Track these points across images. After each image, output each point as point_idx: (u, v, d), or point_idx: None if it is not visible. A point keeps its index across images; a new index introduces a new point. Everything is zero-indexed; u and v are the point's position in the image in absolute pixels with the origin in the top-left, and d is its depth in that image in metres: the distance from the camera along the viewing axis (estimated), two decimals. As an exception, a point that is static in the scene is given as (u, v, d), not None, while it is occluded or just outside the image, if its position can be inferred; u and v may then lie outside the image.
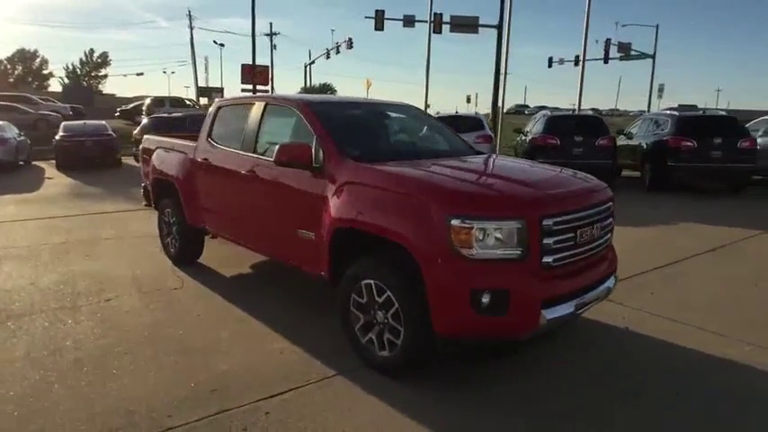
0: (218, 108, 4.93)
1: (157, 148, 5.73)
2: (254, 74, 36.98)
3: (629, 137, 12.38)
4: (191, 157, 5.01)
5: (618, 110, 68.39)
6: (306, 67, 47.07)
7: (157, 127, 12.46)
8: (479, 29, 26.82)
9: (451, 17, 26.58)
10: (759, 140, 10.60)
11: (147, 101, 28.66)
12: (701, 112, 12.59)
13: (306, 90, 55.80)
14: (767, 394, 3.07)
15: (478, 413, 2.81)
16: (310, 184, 3.58)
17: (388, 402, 2.89)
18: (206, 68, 47.38)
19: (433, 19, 26.77)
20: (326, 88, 65.07)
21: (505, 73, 20.78)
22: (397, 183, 3.12)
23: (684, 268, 5.52)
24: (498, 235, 2.73)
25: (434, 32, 27.28)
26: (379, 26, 26.70)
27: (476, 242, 2.71)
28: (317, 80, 66.05)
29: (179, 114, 16.40)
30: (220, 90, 50.04)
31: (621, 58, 37.73)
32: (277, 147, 3.59)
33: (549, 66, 41.35)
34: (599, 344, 3.71)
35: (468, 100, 59.56)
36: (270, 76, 37.76)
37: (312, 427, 2.68)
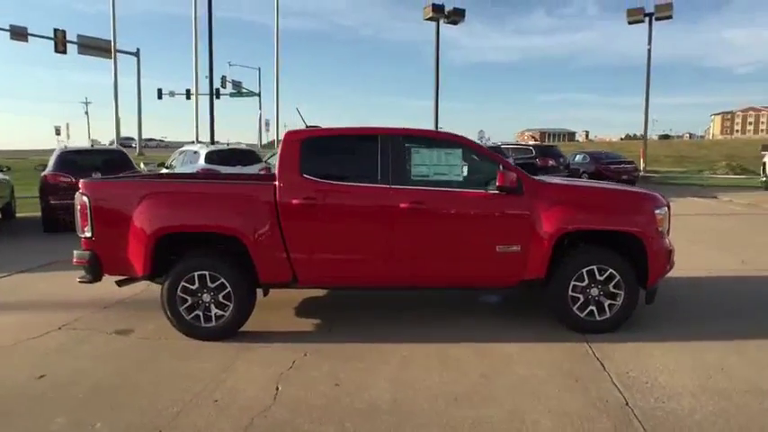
0: (305, 140, 4.39)
1: (150, 193, 4.30)
2: None
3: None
4: (268, 199, 4.25)
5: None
6: None
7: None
8: (118, 54, 24.48)
9: (79, 36, 23.17)
10: None
11: None
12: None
13: None
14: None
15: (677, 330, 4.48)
16: (511, 204, 4.31)
17: (646, 342, 4.18)
18: None
19: (55, 35, 22.70)
20: None
21: (139, 104, 20.04)
22: (621, 194, 4.65)
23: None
24: (665, 218, 4.53)
25: (57, 51, 23.15)
26: (-28, 34, 20.41)
27: (664, 223, 4.44)
28: None
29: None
30: None
31: (232, 95, 41.45)
32: (499, 174, 4.16)
33: (159, 97, 40.74)
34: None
35: (58, 132, 50.43)
36: None
37: (658, 364, 3.76)
